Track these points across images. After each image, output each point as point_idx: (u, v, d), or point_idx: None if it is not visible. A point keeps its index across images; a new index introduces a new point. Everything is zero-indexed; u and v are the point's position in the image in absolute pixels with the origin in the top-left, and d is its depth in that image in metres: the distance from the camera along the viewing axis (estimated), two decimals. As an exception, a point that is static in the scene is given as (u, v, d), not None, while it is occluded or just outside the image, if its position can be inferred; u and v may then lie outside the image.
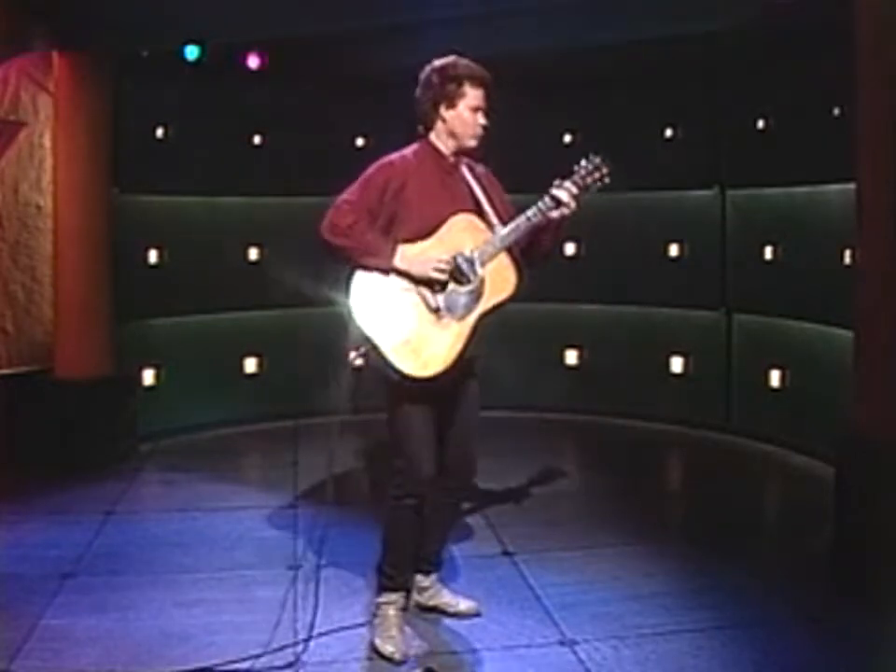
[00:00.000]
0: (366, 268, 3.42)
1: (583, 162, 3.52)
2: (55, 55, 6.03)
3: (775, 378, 6.54)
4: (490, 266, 3.45)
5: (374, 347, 3.38)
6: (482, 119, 3.55)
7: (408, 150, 3.61)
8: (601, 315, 7.36)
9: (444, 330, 3.41)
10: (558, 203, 3.46)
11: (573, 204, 3.46)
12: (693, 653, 3.52)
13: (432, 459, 3.50)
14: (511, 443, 6.59)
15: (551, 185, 3.49)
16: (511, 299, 3.48)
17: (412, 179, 3.50)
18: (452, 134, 3.55)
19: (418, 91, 3.59)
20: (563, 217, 3.48)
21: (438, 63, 3.57)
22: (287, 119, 7.12)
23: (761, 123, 6.59)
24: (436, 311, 3.42)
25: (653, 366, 7.20)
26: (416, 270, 3.41)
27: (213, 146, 6.83)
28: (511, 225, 3.47)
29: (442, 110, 3.53)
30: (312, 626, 3.60)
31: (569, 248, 7.32)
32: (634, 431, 7.02)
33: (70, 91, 6.07)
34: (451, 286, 3.44)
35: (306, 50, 6.38)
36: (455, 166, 3.60)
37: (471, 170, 3.63)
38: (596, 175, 3.52)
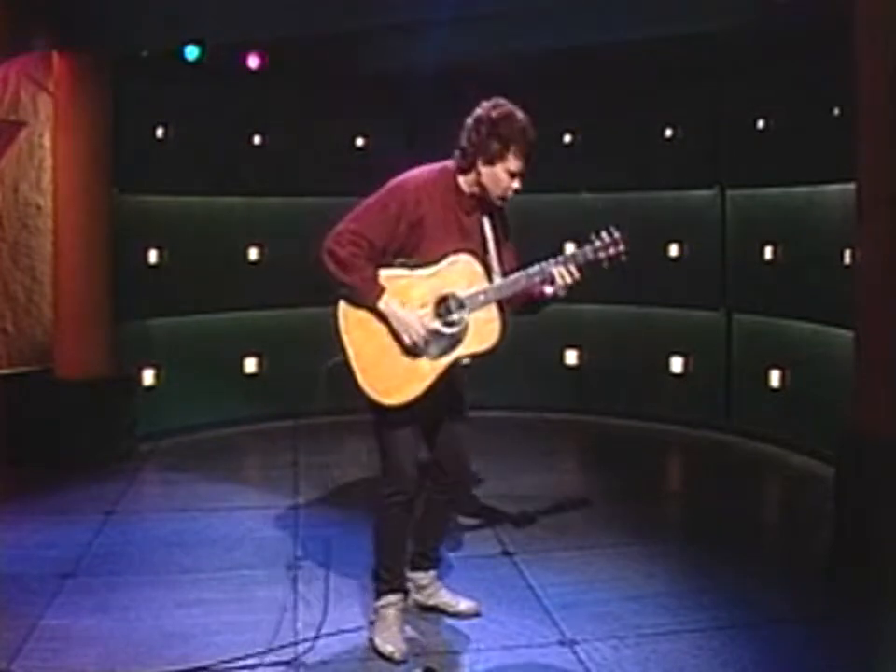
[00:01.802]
0: (350, 302, 3.40)
1: (603, 234, 3.43)
2: (55, 55, 6.04)
3: (775, 378, 6.53)
4: (478, 314, 3.41)
5: (347, 361, 3.39)
6: (515, 184, 3.46)
7: (431, 172, 3.51)
8: (601, 315, 7.35)
9: (414, 367, 3.40)
10: (552, 279, 3.40)
11: (561, 293, 3.40)
12: (693, 653, 3.52)
13: (416, 461, 3.51)
14: (511, 443, 6.59)
15: (555, 254, 3.41)
16: (491, 352, 3.44)
17: (429, 216, 3.41)
18: (480, 186, 3.47)
19: (468, 123, 3.45)
20: (553, 295, 3.44)
21: (496, 111, 3.40)
22: (287, 119, 7.12)
23: (761, 123, 6.59)
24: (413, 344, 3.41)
25: (653, 366, 7.19)
26: (394, 323, 3.37)
27: (213, 146, 6.83)
28: (510, 279, 3.43)
29: (480, 163, 3.43)
30: (320, 627, 3.62)
31: (569, 248, 7.29)
32: (634, 431, 7.02)
33: (70, 90, 6.07)
34: (435, 324, 3.40)
35: (306, 50, 6.38)
36: (474, 207, 3.51)
37: (491, 219, 3.55)
38: (612, 251, 3.41)
